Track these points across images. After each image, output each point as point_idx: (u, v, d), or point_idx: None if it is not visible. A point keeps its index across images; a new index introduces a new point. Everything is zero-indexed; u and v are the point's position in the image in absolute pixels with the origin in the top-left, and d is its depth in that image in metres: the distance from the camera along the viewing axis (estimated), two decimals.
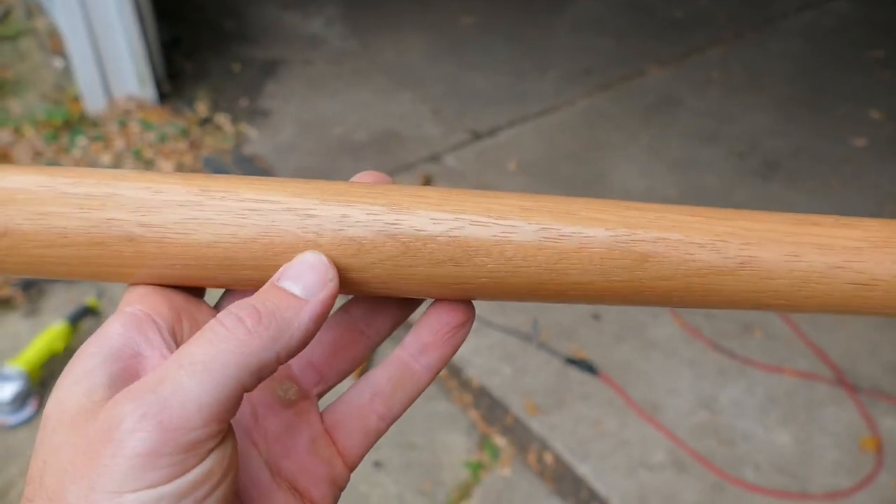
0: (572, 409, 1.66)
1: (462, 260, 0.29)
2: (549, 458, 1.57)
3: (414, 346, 0.33)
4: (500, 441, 1.61)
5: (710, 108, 2.72)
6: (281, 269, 0.28)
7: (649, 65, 2.95)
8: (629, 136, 2.56)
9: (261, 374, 0.26)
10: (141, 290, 0.30)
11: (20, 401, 1.58)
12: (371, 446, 0.33)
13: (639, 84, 2.85)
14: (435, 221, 0.29)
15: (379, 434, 0.33)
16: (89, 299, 1.82)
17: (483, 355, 1.75)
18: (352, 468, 0.33)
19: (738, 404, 1.67)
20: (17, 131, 2.38)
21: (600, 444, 1.59)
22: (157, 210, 0.29)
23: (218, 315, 0.26)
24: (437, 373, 0.33)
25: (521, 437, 1.61)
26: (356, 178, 0.32)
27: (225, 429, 0.25)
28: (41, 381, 1.66)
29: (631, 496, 1.50)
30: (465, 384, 1.71)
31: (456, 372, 1.73)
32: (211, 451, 0.25)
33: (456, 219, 0.29)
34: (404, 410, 0.33)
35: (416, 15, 3.24)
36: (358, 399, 0.33)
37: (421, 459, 1.58)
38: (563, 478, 1.54)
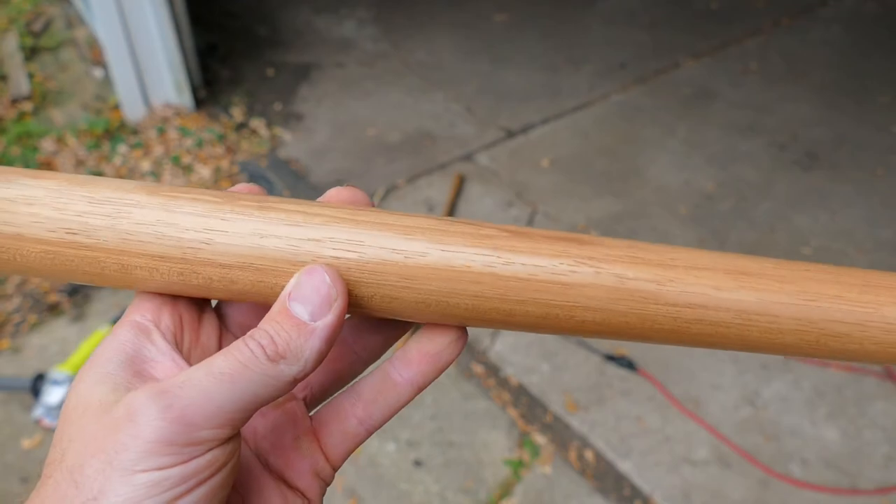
0: (613, 405, 1.64)
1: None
2: (589, 455, 1.56)
3: (400, 360, 0.33)
4: (539, 439, 1.60)
5: (749, 99, 2.67)
6: (290, 287, 0.29)
7: (685, 57, 2.91)
8: (665, 129, 2.53)
9: (278, 393, 0.28)
10: (146, 299, 0.32)
11: None
12: (353, 448, 0.34)
13: (674, 77, 2.81)
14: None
15: (358, 438, 0.34)
16: None
17: (521, 353, 1.75)
18: (335, 466, 0.34)
19: (783, 399, 1.64)
20: (60, 140, 2.44)
21: (642, 441, 1.57)
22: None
23: (242, 338, 0.29)
24: (420, 389, 0.34)
25: (562, 435, 1.60)
26: (329, 193, 0.33)
27: (235, 433, 0.28)
28: None
29: (675, 492, 1.48)
30: (503, 382, 1.70)
31: (494, 370, 1.72)
32: (217, 446, 0.27)
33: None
34: (385, 420, 0.34)
35: (448, 14, 3.24)
36: (341, 402, 0.35)
37: (461, 457, 1.57)
38: (604, 475, 1.53)
